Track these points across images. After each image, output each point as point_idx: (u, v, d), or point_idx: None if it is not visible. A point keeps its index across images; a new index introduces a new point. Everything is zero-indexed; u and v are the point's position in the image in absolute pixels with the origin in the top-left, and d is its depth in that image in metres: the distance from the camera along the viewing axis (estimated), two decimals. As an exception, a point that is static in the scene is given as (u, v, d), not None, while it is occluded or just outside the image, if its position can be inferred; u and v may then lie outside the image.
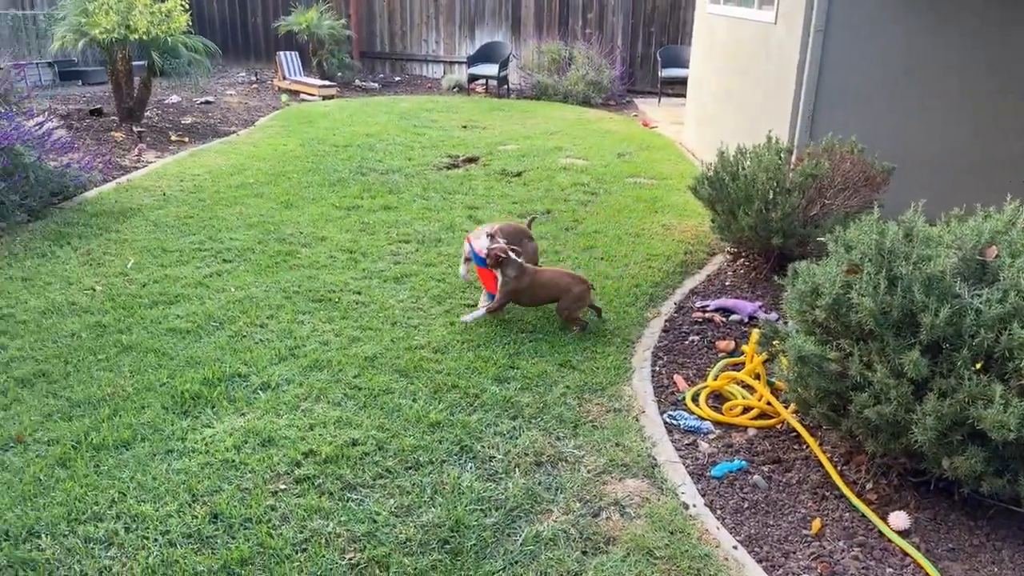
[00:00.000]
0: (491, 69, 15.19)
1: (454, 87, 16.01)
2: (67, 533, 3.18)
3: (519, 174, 9.28)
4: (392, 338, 5.04)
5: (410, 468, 3.72)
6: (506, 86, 15.53)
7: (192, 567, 3.01)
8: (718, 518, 3.51)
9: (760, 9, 8.07)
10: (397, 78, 17.17)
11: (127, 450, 3.75)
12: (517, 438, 3.99)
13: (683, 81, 12.70)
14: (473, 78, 15.53)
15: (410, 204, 8.05)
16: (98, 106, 11.95)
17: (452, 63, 16.89)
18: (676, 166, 9.82)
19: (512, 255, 5.19)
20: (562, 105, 14.52)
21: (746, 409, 4.33)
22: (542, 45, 15.64)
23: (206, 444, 3.81)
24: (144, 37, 10.20)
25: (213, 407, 4.17)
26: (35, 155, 7.22)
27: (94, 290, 5.64)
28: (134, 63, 11.08)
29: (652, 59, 15.54)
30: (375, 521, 3.33)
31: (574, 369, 4.73)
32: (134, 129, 10.78)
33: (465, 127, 12.08)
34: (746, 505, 3.62)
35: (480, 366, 4.69)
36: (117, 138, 10.39)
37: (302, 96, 14.70)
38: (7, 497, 3.38)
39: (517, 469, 3.74)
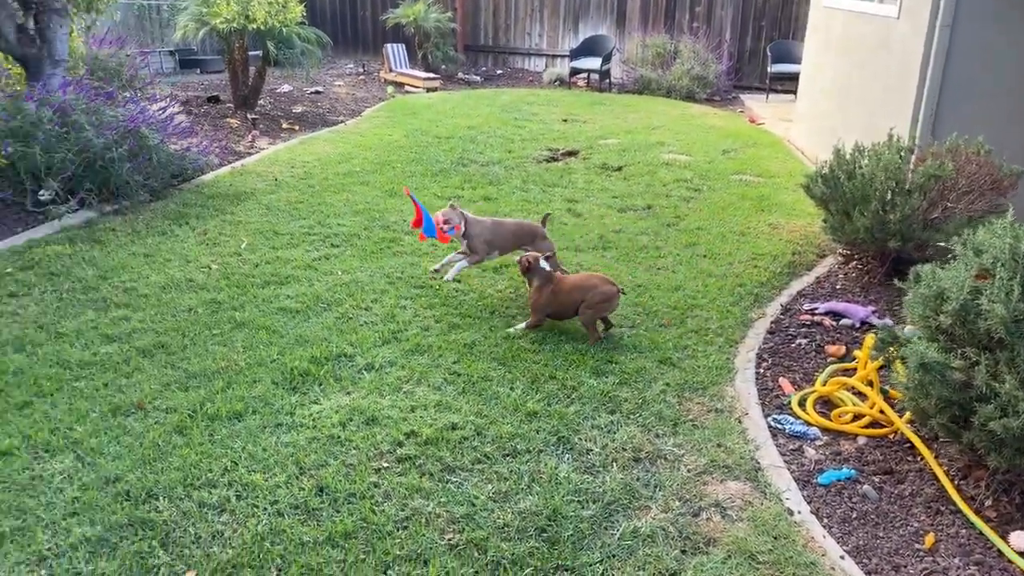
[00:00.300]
0: (594, 63, 15.09)
1: (555, 80, 16.00)
2: (183, 497, 3.34)
3: (619, 168, 9.19)
4: (490, 327, 5.07)
5: (507, 455, 3.74)
6: (608, 80, 15.41)
7: (299, 537, 3.12)
8: (824, 527, 3.38)
9: (882, 3, 7.72)
10: (499, 71, 17.28)
11: (239, 421, 3.91)
12: (615, 432, 3.95)
13: (793, 77, 12.31)
14: (575, 72, 15.47)
15: (509, 196, 8.08)
16: (215, 94, 12.49)
17: (554, 56, 16.87)
18: (784, 164, 9.52)
19: (543, 263, 5.05)
20: (665, 100, 14.29)
21: (856, 416, 4.16)
22: (647, 39, 15.43)
23: (313, 420, 3.93)
24: (261, 27, 10.60)
25: (320, 384, 4.30)
26: (158, 138, 7.59)
27: (210, 268, 5.90)
28: (250, 53, 11.53)
29: (761, 54, 15.10)
30: (473, 504, 3.36)
31: (674, 367, 4.65)
32: (248, 116, 11.22)
33: (565, 120, 12.05)
34: (855, 515, 3.48)
35: (577, 359, 4.67)
36: (232, 124, 10.84)
37: (407, 88, 14.98)
38: (128, 460, 3.58)
39: (615, 463, 3.70)
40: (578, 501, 3.42)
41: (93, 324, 4.94)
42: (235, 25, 10.43)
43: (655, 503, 3.44)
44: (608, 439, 3.89)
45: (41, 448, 3.64)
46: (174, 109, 9.01)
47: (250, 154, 9.55)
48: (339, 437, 3.80)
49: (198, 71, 15.11)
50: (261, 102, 12.21)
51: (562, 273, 5.26)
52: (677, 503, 3.45)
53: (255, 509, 3.27)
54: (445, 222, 5.37)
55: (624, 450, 3.81)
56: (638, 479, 3.60)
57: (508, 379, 4.42)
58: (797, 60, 12.17)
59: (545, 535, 3.20)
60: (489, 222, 5.63)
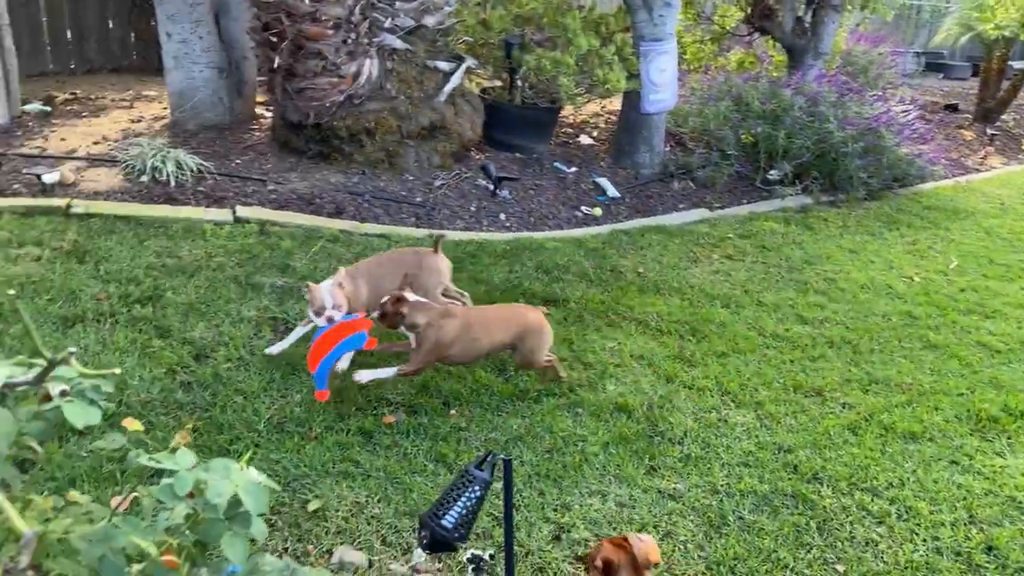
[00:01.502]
0: None
1: None
2: (845, 492, 3.41)
3: None
4: None
5: None
6: None
7: (955, 586, 2.93)
8: None
9: None
10: None
11: (913, 443, 3.79)
12: None
13: None
14: None
15: None
16: (954, 102, 11.83)
17: None
18: None
19: (412, 297, 3.69)
20: None
21: None
22: None
23: (995, 472, 3.58)
24: (1035, 37, 9.59)
25: (1009, 438, 3.87)
26: (894, 140, 7.59)
27: (912, 280, 5.75)
28: (1010, 63, 10.55)
29: None
30: None
31: None
32: (986, 131, 10.37)
33: None
34: None
35: None
36: (965, 137, 10.17)
37: None
38: (801, 437, 3.80)
39: None
40: None
41: (791, 302, 5.31)
42: (1006, 33, 9.64)
43: None
44: None
45: (729, 397, 4.12)
46: (913, 113, 8.87)
47: (979, 171, 8.88)
48: (1021, 502, 3.38)
49: (940, 76, 14.49)
50: (1004, 117, 11.13)
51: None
52: None
53: (914, 536, 3.16)
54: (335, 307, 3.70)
55: None
56: None
57: None
58: None
59: None
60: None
